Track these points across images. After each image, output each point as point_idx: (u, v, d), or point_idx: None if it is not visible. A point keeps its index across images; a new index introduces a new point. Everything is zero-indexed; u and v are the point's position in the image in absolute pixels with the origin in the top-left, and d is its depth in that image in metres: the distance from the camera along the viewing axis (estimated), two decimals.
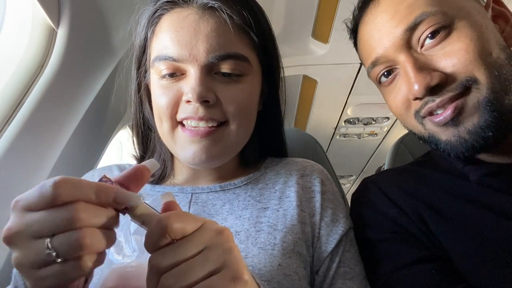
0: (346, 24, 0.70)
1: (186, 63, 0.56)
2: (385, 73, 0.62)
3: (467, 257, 0.55)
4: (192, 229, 0.35)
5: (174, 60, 0.56)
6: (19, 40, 0.74)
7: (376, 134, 2.61)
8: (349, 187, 3.66)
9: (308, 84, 1.99)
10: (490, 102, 0.53)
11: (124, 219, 0.41)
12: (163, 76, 0.58)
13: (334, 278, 0.57)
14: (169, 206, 0.38)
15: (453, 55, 0.55)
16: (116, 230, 0.37)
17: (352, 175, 3.46)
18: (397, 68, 0.61)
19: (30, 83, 0.74)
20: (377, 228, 0.63)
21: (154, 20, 0.60)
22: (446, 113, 0.55)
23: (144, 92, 0.67)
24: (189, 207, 0.62)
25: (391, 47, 0.59)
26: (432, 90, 0.55)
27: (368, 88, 2.02)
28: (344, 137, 2.65)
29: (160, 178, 0.68)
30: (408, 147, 1.01)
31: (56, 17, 0.74)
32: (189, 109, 0.56)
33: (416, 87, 0.55)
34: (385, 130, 2.55)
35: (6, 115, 0.70)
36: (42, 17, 0.73)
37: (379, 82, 0.65)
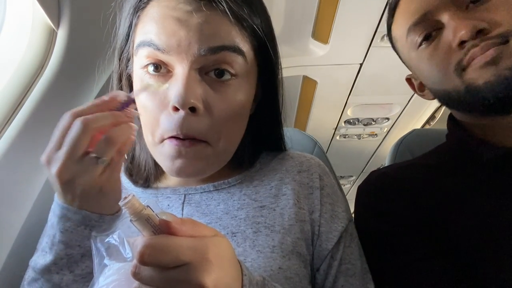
0: None
1: (173, 56, 0.50)
2: (426, 36, 0.63)
3: (481, 249, 0.54)
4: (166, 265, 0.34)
5: (159, 49, 0.50)
6: (19, 41, 0.74)
7: (376, 134, 2.61)
8: (349, 187, 3.66)
9: (308, 84, 1.99)
10: None
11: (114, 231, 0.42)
12: (145, 66, 0.52)
13: (336, 276, 0.57)
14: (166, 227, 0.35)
15: (501, 7, 0.56)
16: (108, 239, 0.40)
17: (352, 176, 3.45)
18: (439, 30, 0.61)
19: (30, 83, 0.74)
20: (390, 220, 0.63)
21: (141, 5, 0.54)
22: (487, 53, 0.56)
23: (125, 83, 0.61)
24: (182, 209, 0.61)
25: (439, 4, 0.59)
26: (477, 34, 0.56)
27: (368, 88, 2.02)
28: (344, 137, 2.65)
29: (146, 180, 0.65)
30: (408, 148, 1.01)
31: (56, 18, 0.74)
32: (173, 125, 0.50)
33: (462, 32, 0.56)
34: (385, 130, 2.54)
35: (6, 115, 0.70)
36: (42, 18, 0.73)
37: (417, 45, 0.65)
